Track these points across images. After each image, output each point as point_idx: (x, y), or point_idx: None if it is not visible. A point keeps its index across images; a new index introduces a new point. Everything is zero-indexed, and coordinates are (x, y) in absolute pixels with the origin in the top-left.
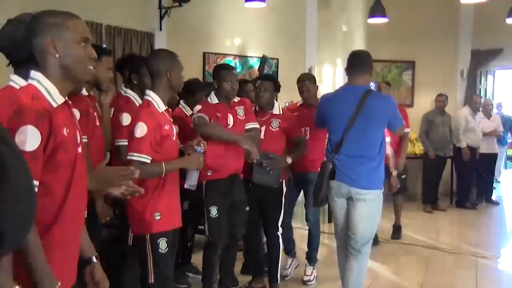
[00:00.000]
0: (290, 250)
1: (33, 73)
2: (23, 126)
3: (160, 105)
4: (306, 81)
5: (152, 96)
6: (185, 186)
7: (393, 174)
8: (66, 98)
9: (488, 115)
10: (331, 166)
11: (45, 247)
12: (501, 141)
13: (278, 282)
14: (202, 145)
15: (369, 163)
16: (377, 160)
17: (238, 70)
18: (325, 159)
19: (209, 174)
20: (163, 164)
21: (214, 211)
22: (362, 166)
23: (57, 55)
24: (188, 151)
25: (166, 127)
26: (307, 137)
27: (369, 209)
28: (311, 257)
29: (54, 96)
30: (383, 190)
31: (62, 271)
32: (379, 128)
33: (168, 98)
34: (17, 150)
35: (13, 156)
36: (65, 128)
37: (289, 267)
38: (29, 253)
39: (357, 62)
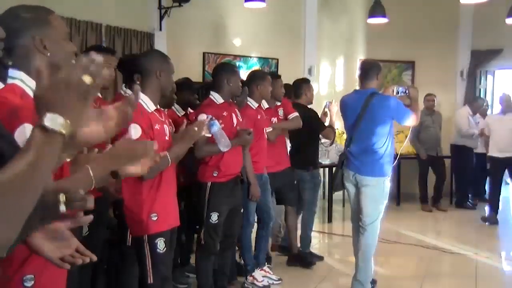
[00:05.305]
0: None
1: (14, 72)
2: (20, 125)
3: (149, 105)
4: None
5: (141, 97)
6: (222, 150)
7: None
8: None
9: (484, 115)
10: None
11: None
12: None
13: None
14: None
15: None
16: None
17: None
18: None
19: (215, 175)
20: (167, 154)
21: (214, 217)
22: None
23: (48, 54)
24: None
25: (157, 127)
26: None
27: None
28: (258, 260)
29: None
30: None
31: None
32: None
33: (157, 98)
34: (14, 142)
35: (10, 149)
36: None
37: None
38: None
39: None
